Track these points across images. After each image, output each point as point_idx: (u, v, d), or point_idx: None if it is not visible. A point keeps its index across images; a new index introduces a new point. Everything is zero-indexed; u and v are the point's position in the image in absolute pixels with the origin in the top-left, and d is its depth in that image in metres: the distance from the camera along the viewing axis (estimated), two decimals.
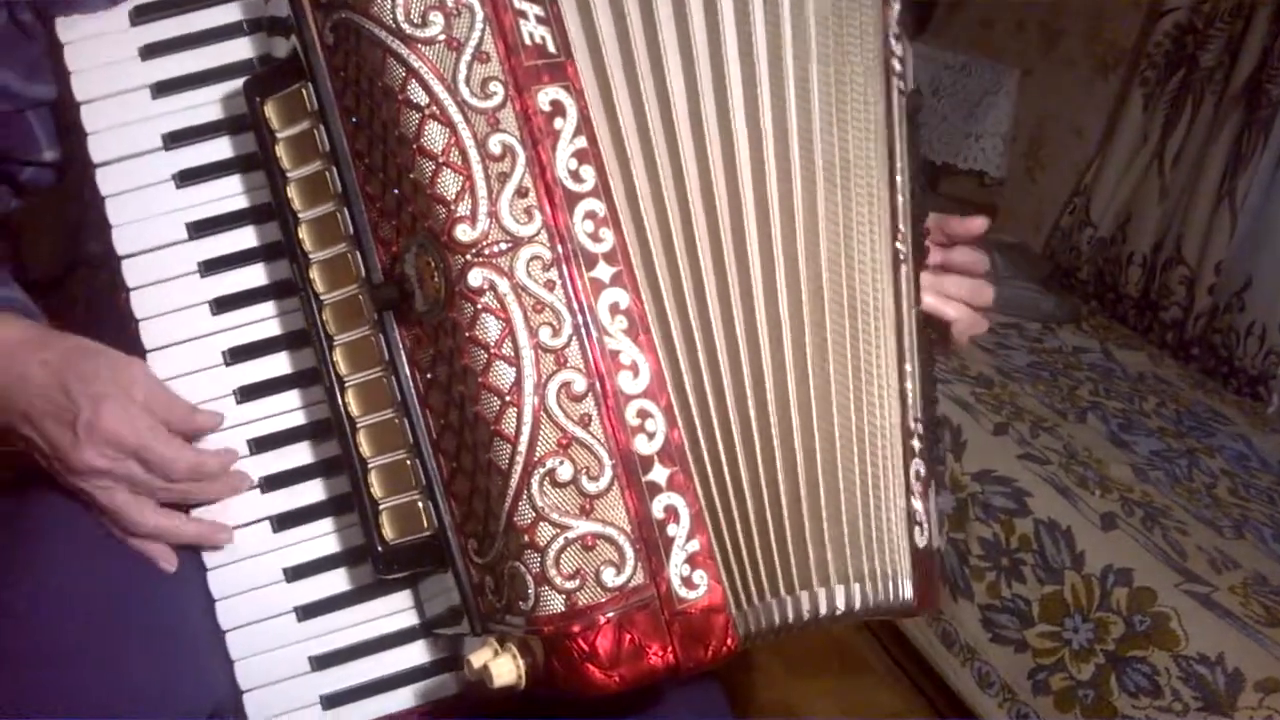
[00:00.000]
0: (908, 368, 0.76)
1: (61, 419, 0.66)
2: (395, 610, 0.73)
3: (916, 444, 0.76)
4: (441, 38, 0.61)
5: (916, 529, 0.75)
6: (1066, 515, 1.63)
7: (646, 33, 0.68)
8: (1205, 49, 2.32)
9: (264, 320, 0.72)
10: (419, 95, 0.61)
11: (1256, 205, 2.25)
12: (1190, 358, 2.36)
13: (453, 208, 0.61)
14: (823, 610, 0.71)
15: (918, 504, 0.75)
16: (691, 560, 0.64)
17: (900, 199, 0.77)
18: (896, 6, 0.78)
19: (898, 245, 0.76)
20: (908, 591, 0.74)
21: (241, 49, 0.72)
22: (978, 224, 0.85)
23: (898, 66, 0.79)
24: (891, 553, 0.73)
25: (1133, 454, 1.84)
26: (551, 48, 0.64)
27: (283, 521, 0.71)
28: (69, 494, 0.72)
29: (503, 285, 0.61)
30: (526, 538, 0.61)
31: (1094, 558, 1.57)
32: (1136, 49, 2.56)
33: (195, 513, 0.71)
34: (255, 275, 0.72)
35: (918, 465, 0.75)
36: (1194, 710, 1.41)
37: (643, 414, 0.63)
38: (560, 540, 0.61)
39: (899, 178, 0.77)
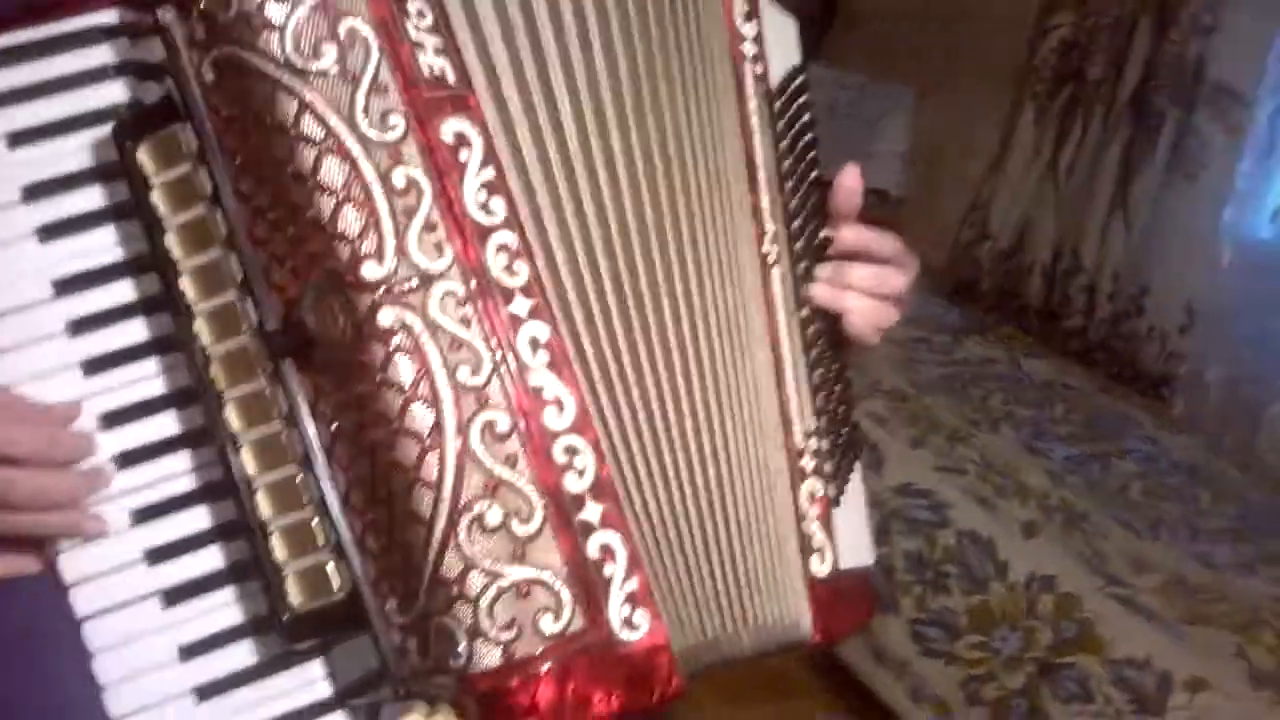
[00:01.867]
0: (788, 379, 0.73)
1: None
2: (305, 683, 0.67)
3: (809, 462, 0.73)
4: (335, 70, 0.58)
5: (814, 557, 0.72)
6: (987, 525, 1.65)
7: (536, 61, 0.66)
8: (1091, 62, 2.40)
9: (143, 380, 0.67)
10: (314, 130, 0.58)
11: (1149, 212, 2.32)
12: (1095, 363, 2.42)
13: (357, 245, 0.58)
14: (747, 646, 0.69)
15: (813, 528, 0.72)
16: (631, 599, 0.61)
17: (764, 196, 0.74)
18: None
19: (765, 247, 0.74)
20: (804, 628, 0.71)
21: (108, 94, 0.67)
22: (847, 179, 0.75)
23: (749, 50, 0.75)
24: (783, 590, 0.71)
25: (1047, 460, 1.87)
26: (451, 78, 0.62)
27: (172, 596, 0.66)
28: None
29: (416, 324, 0.58)
30: (455, 589, 0.58)
31: (1017, 566, 1.59)
32: (1026, 65, 2.63)
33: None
34: (131, 332, 0.67)
35: (813, 486, 0.73)
36: (1128, 714, 1.43)
37: (570, 450, 0.61)
38: (493, 589, 0.58)
39: (760, 173, 0.74)
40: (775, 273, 0.74)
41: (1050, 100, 2.50)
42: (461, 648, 0.58)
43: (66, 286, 0.66)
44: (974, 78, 2.80)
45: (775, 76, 0.77)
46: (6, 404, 0.63)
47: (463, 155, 0.61)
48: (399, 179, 0.59)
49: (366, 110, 0.59)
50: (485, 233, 0.61)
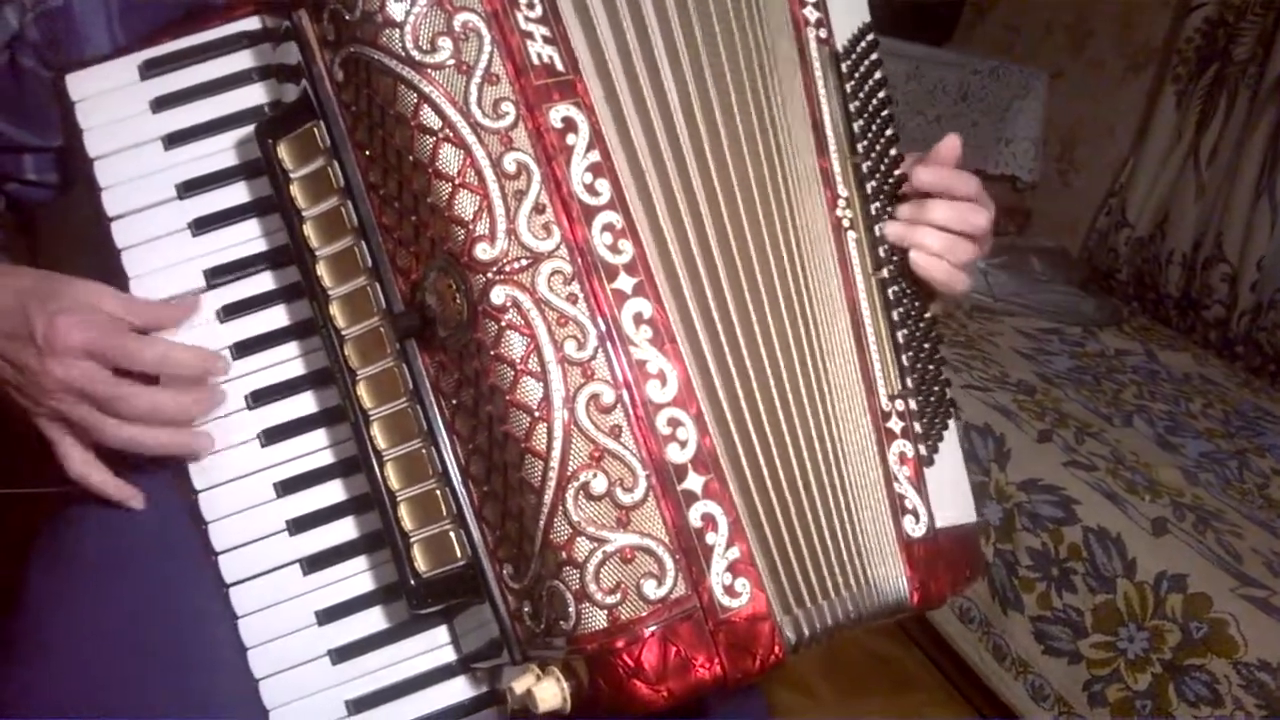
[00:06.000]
0: (869, 342, 0.73)
1: (21, 337, 0.66)
2: (432, 647, 0.72)
3: (896, 424, 0.73)
4: (451, 62, 0.61)
5: (908, 518, 0.72)
6: (1116, 522, 1.61)
7: (641, 44, 0.68)
8: (1238, 43, 2.29)
9: (286, 361, 0.72)
10: (432, 119, 0.61)
11: None
12: (1235, 356, 2.32)
13: (471, 227, 0.61)
14: (849, 614, 0.70)
15: (906, 490, 0.73)
16: (732, 568, 0.63)
17: (834, 161, 0.74)
18: None
19: (839, 212, 0.74)
20: (901, 592, 0.71)
21: (252, 96, 0.72)
22: (948, 145, 0.76)
23: (811, 15, 0.76)
24: (877, 554, 0.71)
25: (1181, 457, 1.81)
26: (560, 66, 0.64)
27: (313, 563, 0.71)
28: (106, 530, 0.72)
29: (525, 301, 0.61)
30: (564, 554, 0.61)
31: (1146, 564, 1.54)
32: (1167, 46, 2.53)
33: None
34: (275, 317, 0.72)
35: (901, 447, 0.73)
36: (1257, 719, 1.38)
37: (673, 422, 0.63)
38: (599, 554, 0.61)
39: (829, 137, 0.75)
40: (850, 237, 0.74)
41: (1192, 82, 2.40)
42: (570, 610, 0.61)
43: (217, 275, 0.72)
44: (1111, 59, 2.71)
45: (844, 36, 0.77)
46: (136, 312, 0.69)
47: (570, 139, 0.63)
48: (510, 164, 0.61)
49: (480, 99, 0.62)
50: (591, 213, 0.63)
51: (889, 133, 0.77)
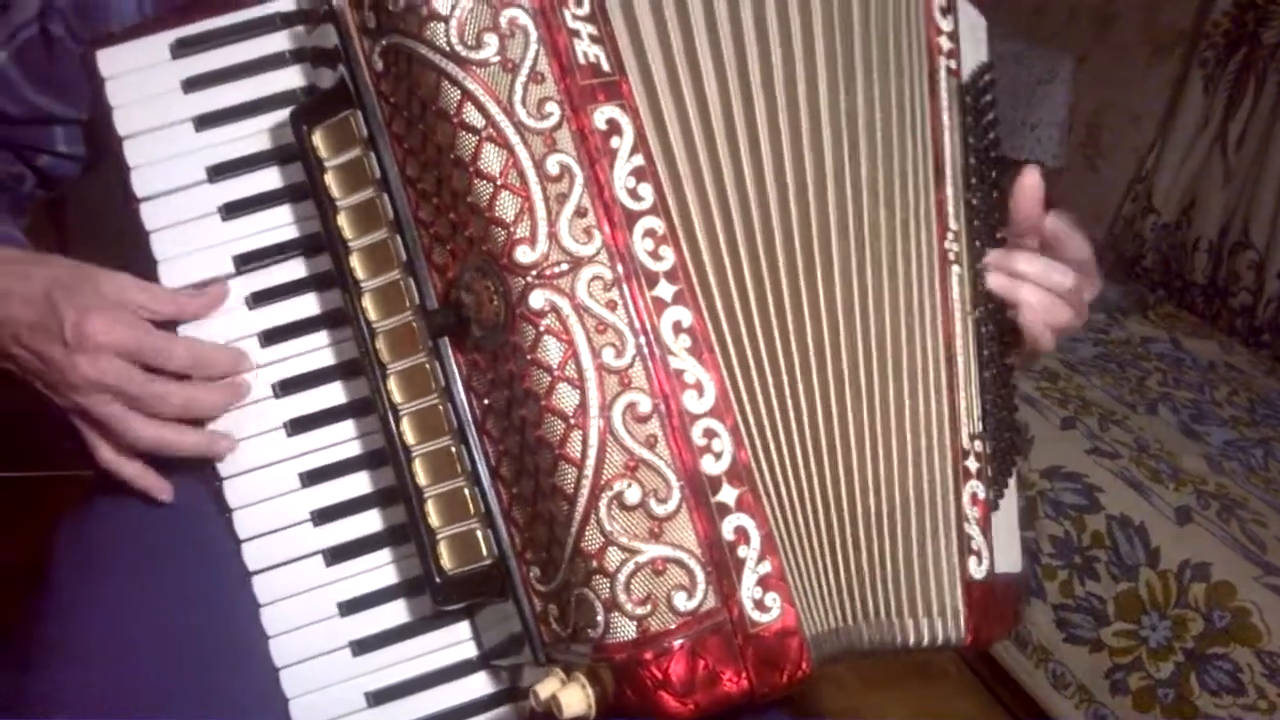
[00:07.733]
0: (960, 379, 0.72)
1: (48, 330, 0.66)
2: (452, 642, 0.71)
3: (973, 464, 0.72)
4: (496, 59, 0.60)
5: (972, 559, 0.71)
6: (1139, 510, 1.60)
7: (686, 49, 0.67)
8: (1267, 26, 2.26)
9: (315, 351, 0.71)
10: (475, 117, 0.60)
11: None
12: (1261, 344, 2.30)
13: (512, 229, 0.60)
14: (893, 640, 0.69)
15: (973, 530, 0.71)
16: (763, 582, 0.62)
17: (949, 193, 0.73)
18: None
19: (947, 245, 0.73)
20: (960, 630, 0.70)
21: (285, 79, 0.71)
22: (1028, 185, 0.75)
23: (945, 44, 0.75)
24: (945, 587, 0.70)
25: (1206, 445, 1.79)
26: (606, 66, 0.63)
27: (337, 554, 0.71)
28: (132, 525, 0.72)
29: (565, 306, 0.60)
30: (595, 563, 0.60)
31: (1170, 553, 1.54)
32: (1194, 29, 2.50)
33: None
34: (305, 306, 0.71)
35: (974, 488, 0.72)
36: None
37: (709, 434, 0.62)
38: (630, 565, 0.60)
39: (948, 169, 0.74)
40: (954, 271, 0.73)
41: (1220, 66, 2.36)
42: (599, 619, 0.60)
43: (246, 261, 0.71)
44: (1137, 43, 2.68)
45: (966, 71, 0.76)
46: (162, 302, 0.68)
47: (614, 142, 0.62)
48: (553, 166, 0.60)
49: (524, 99, 0.60)
50: (633, 218, 0.62)
51: (993, 174, 0.76)
